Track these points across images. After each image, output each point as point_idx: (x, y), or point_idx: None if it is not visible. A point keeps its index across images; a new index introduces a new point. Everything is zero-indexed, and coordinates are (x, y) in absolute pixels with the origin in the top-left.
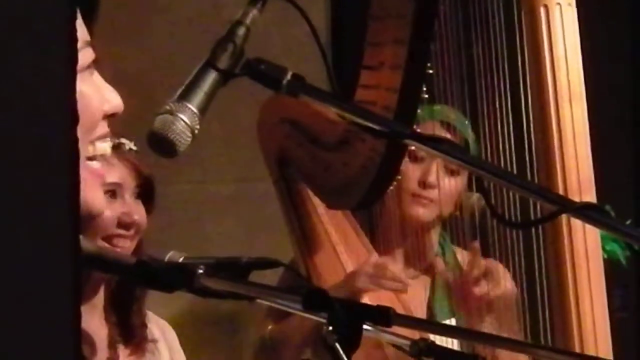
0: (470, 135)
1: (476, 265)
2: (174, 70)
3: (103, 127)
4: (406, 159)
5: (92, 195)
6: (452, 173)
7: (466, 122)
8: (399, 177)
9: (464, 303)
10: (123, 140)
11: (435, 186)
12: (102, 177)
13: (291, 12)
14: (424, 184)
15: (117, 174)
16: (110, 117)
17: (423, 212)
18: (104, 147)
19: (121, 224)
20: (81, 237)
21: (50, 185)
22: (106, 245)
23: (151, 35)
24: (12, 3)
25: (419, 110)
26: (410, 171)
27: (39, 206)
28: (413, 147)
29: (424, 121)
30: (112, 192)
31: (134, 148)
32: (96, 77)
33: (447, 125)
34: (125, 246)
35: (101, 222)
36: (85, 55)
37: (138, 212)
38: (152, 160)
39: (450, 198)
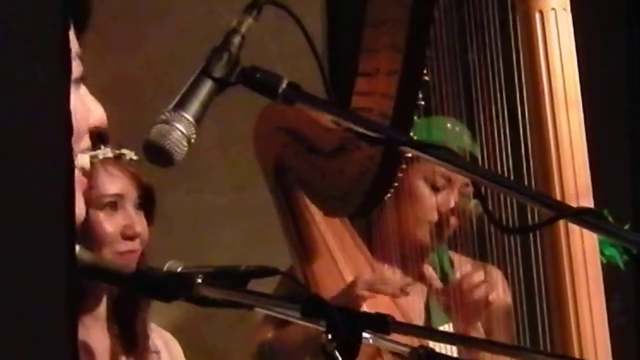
0: (478, 153)
1: (471, 275)
2: (169, 79)
3: (85, 141)
4: (426, 187)
5: None
6: (463, 197)
7: (469, 135)
8: (418, 205)
9: (458, 310)
10: (124, 150)
11: (451, 215)
12: (83, 184)
13: (287, 20)
14: (443, 214)
15: (119, 184)
16: (93, 130)
17: (431, 237)
18: (84, 161)
19: (125, 237)
20: (79, 248)
21: (44, 196)
22: (117, 259)
23: (147, 44)
24: (5, 14)
25: (416, 119)
26: (431, 200)
27: (34, 217)
28: (410, 154)
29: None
30: (114, 203)
31: (135, 158)
32: (82, 90)
33: (463, 151)
34: (132, 258)
35: (105, 236)
36: (74, 68)
37: (140, 223)
38: (149, 170)
39: (458, 223)
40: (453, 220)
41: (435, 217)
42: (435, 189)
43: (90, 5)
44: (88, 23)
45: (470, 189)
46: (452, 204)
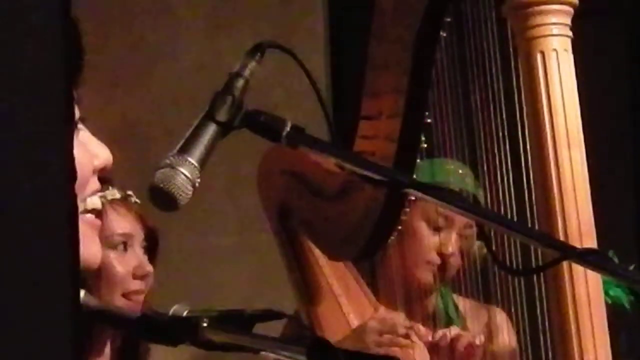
0: (481, 195)
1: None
2: (175, 120)
3: (94, 183)
4: (426, 227)
5: (87, 247)
6: (465, 239)
7: (473, 178)
8: (418, 245)
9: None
10: (129, 192)
11: (452, 256)
12: (97, 227)
13: (291, 64)
14: (442, 255)
15: (128, 224)
16: (100, 172)
17: (432, 278)
18: (95, 201)
19: (135, 277)
20: (84, 293)
21: (49, 242)
22: (125, 302)
23: (152, 85)
24: (8, 59)
25: (419, 161)
26: (430, 240)
27: (39, 262)
28: (413, 197)
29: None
30: (124, 243)
31: (138, 201)
32: (83, 133)
33: (467, 194)
34: (140, 300)
35: (116, 277)
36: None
37: (148, 263)
38: (155, 212)
39: (459, 264)
40: (454, 261)
41: (435, 257)
42: (435, 229)
43: (83, 52)
44: (83, 67)
45: (472, 231)
46: (453, 245)
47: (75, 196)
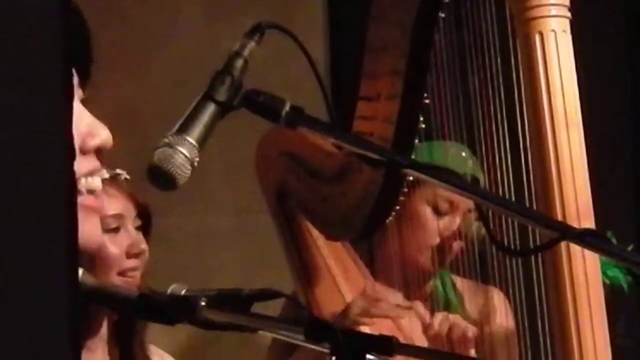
0: (481, 177)
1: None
2: (171, 105)
3: (93, 162)
4: (430, 212)
5: (86, 229)
6: (464, 221)
7: (473, 160)
8: (422, 230)
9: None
10: (119, 170)
11: (455, 241)
12: (98, 210)
13: (290, 45)
14: (445, 240)
15: (119, 205)
16: (98, 151)
17: (433, 262)
18: (94, 181)
19: (130, 256)
20: (82, 272)
21: (49, 241)
22: (121, 279)
23: (149, 70)
24: (8, 49)
25: (417, 143)
26: (435, 226)
27: (37, 242)
28: (412, 178)
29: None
30: (117, 224)
31: (128, 177)
32: (83, 111)
33: (467, 176)
34: (136, 276)
35: (111, 258)
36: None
37: (142, 241)
38: (153, 193)
39: (461, 249)
40: (456, 245)
41: (437, 241)
42: (438, 213)
43: (92, 54)
44: (90, 71)
45: (474, 215)
46: (455, 229)
47: (75, 196)
